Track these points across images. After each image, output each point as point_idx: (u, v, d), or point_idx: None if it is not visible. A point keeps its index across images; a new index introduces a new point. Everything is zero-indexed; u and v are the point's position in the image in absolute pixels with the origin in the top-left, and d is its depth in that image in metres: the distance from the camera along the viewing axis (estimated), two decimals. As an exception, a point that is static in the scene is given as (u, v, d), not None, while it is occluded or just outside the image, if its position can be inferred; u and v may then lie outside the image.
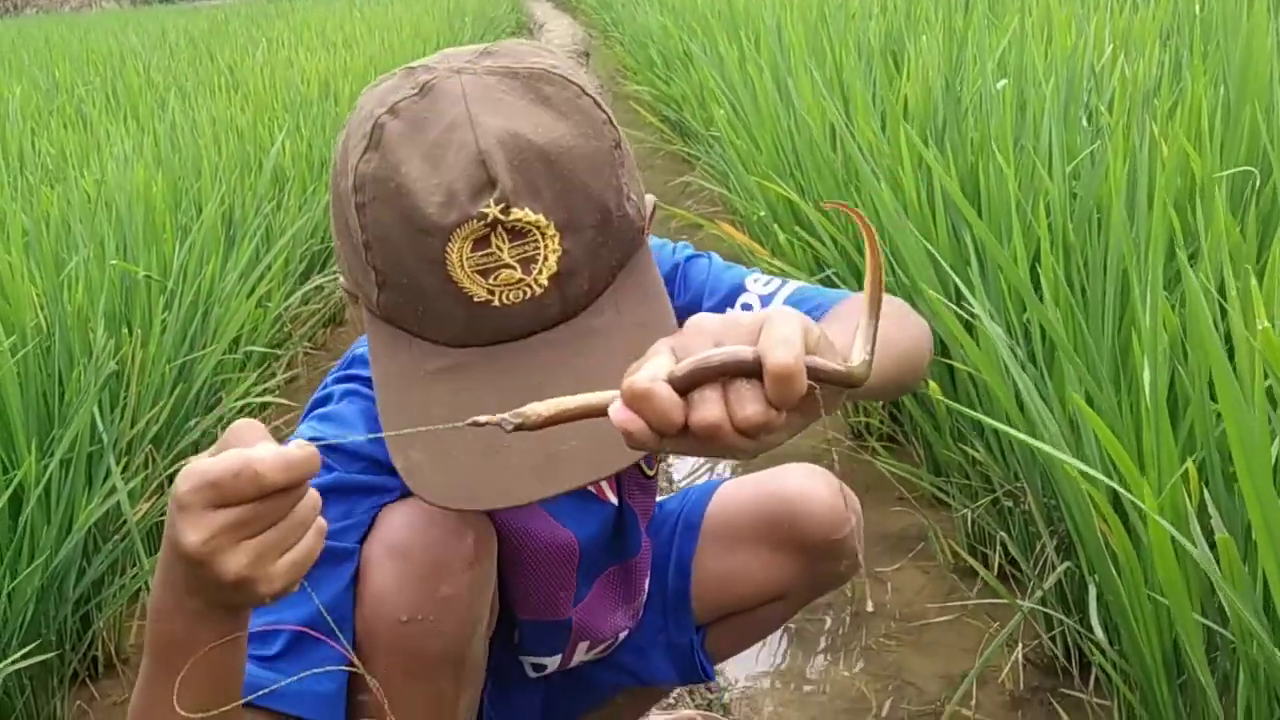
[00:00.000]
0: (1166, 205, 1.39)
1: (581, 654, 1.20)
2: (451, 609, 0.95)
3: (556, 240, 0.83)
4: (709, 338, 0.62)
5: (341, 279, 0.94)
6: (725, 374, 0.61)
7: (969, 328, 1.71)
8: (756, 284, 1.07)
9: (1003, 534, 1.85)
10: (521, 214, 0.82)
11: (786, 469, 1.26)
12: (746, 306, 1.05)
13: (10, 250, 2.19)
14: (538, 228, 0.82)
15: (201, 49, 7.40)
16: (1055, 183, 1.86)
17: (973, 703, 1.65)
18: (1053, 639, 1.70)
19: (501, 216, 0.81)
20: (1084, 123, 2.13)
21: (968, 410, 1.26)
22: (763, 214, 2.89)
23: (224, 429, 0.67)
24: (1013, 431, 1.17)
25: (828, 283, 2.33)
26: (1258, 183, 1.72)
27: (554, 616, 1.13)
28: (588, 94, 0.89)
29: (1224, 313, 1.25)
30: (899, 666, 1.77)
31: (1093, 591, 1.44)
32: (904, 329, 0.97)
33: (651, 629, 1.27)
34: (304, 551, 0.68)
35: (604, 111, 0.89)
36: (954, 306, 1.62)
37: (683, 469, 2.45)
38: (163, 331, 2.21)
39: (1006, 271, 1.66)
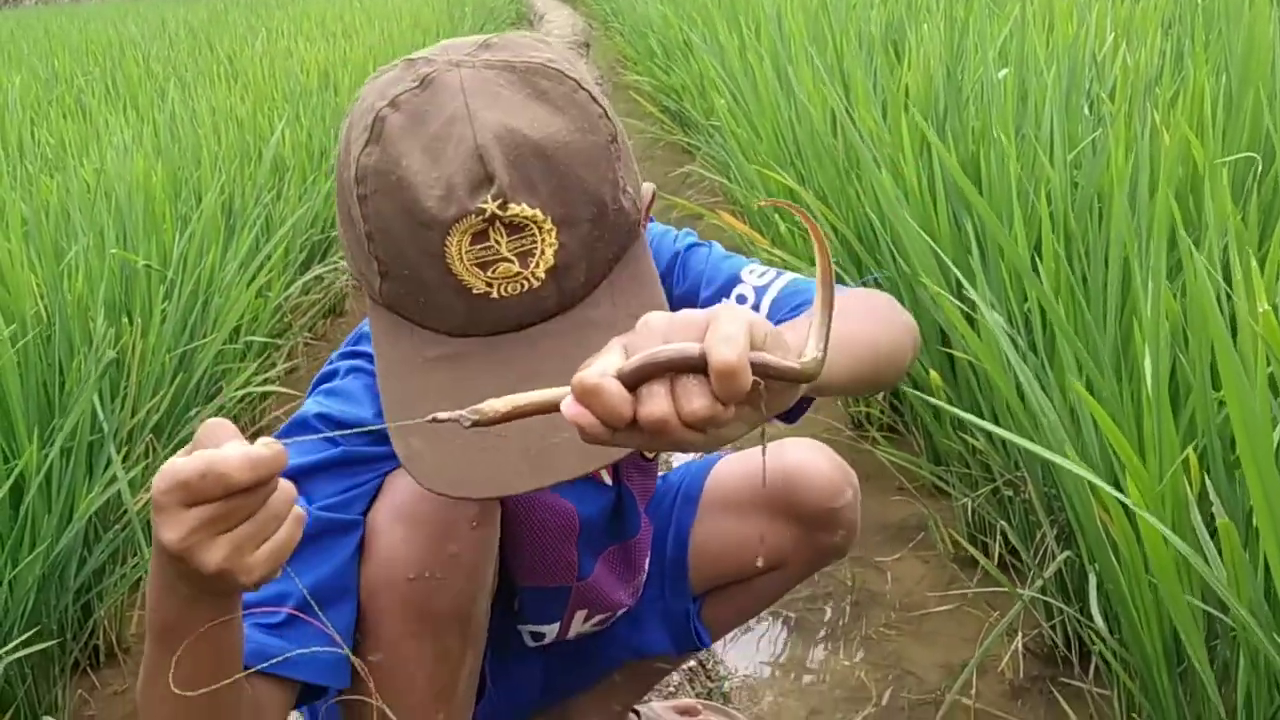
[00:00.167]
0: (1168, 193, 1.38)
1: (579, 624, 1.21)
2: (458, 567, 0.97)
3: (553, 234, 0.85)
4: (658, 335, 0.64)
5: (346, 262, 0.97)
6: (673, 369, 0.63)
7: (969, 319, 1.71)
8: (752, 275, 1.08)
9: (1003, 523, 1.85)
10: (519, 209, 0.83)
11: (785, 442, 1.27)
12: (741, 298, 1.06)
13: (10, 239, 2.19)
14: (534, 222, 0.84)
15: (201, 39, 7.38)
16: (1057, 170, 1.85)
17: (973, 692, 1.65)
18: (1053, 628, 1.70)
19: (499, 212, 0.83)
20: (1085, 111, 2.13)
21: (963, 414, 1.25)
22: (762, 202, 2.88)
23: (224, 418, 0.70)
24: (1005, 433, 1.16)
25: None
26: (1259, 169, 1.72)
27: (553, 583, 1.15)
28: (584, 88, 0.90)
29: (1228, 297, 1.24)
30: (899, 656, 1.78)
31: (1093, 580, 1.44)
32: (880, 326, 0.98)
33: (648, 599, 1.29)
34: (281, 541, 0.71)
35: (600, 105, 0.90)
36: (955, 301, 1.61)
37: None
38: (163, 321, 2.21)
39: (1007, 252, 1.66)
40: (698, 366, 0.62)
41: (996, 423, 1.82)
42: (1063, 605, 1.60)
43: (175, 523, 0.67)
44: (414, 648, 0.98)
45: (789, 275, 1.08)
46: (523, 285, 0.85)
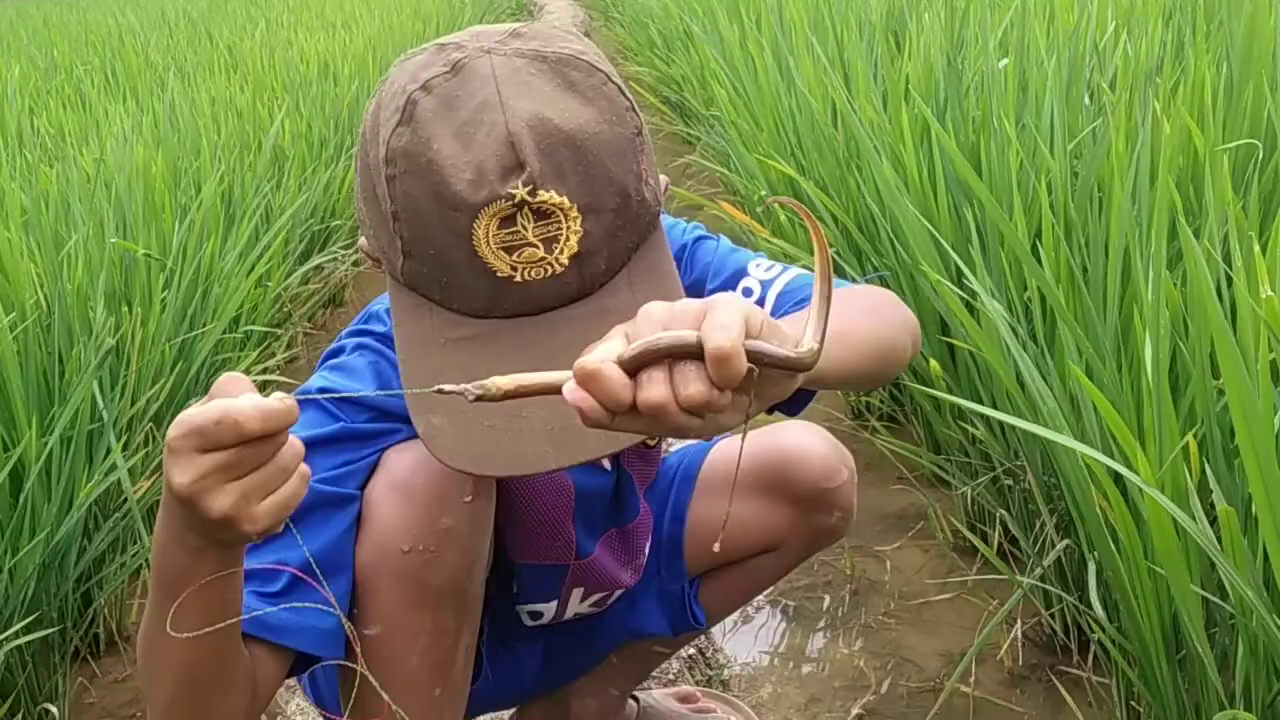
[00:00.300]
0: (1169, 180, 1.38)
1: (576, 603, 1.22)
2: (451, 540, 0.99)
3: (578, 222, 0.87)
4: (658, 323, 0.66)
5: (363, 240, 0.98)
6: (671, 356, 0.65)
7: (969, 308, 1.71)
8: (759, 269, 1.10)
9: (1002, 512, 1.85)
10: (547, 196, 0.86)
11: (783, 425, 1.28)
12: (748, 291, 1.08)
13: (9, 228, 2.19)
14: (561, 210, 0.86)
15: (200, 29, 7.37)
16: (1057, 159, 1.85)
17: (972, 680, 1.66)
18: (1052, 617, 1.70)
19: (528, 198, 0.85)
20: (1086, 100, 2.13)
21: (963, 402, 1.26)
22: (764, 193, 2.88)
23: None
24: (1005, 416, 1.16)
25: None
26: (1260, 157, 1.72)
27: (550, 561, 1.16)
28: (613, 81, 0.92)
29: (1229, 284, 1.24)
30: (898, 644, 1.78)
31: (1092, 569, 1.44)
32: (879, 322, 0.99)
33: (645, 578, 1.29)
34: (287, 494, 0.73)
35: (627, 99, 0.93)
36: (954, 289, 1.61)
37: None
38: (163, 310, 2.21)
39: (1008, 239, 1.65)
40: (695, 353, 0.64)
41: (997, 411, 1.82)
42: (1062, 593, 1.60)
43: (187, 466, 0.69)
44: (409, 620, 0.99)
45: (795, 270, 1.09)
46: (546, 270, 0.88)
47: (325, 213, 3.72)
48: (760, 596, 1.86)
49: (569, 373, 0.66)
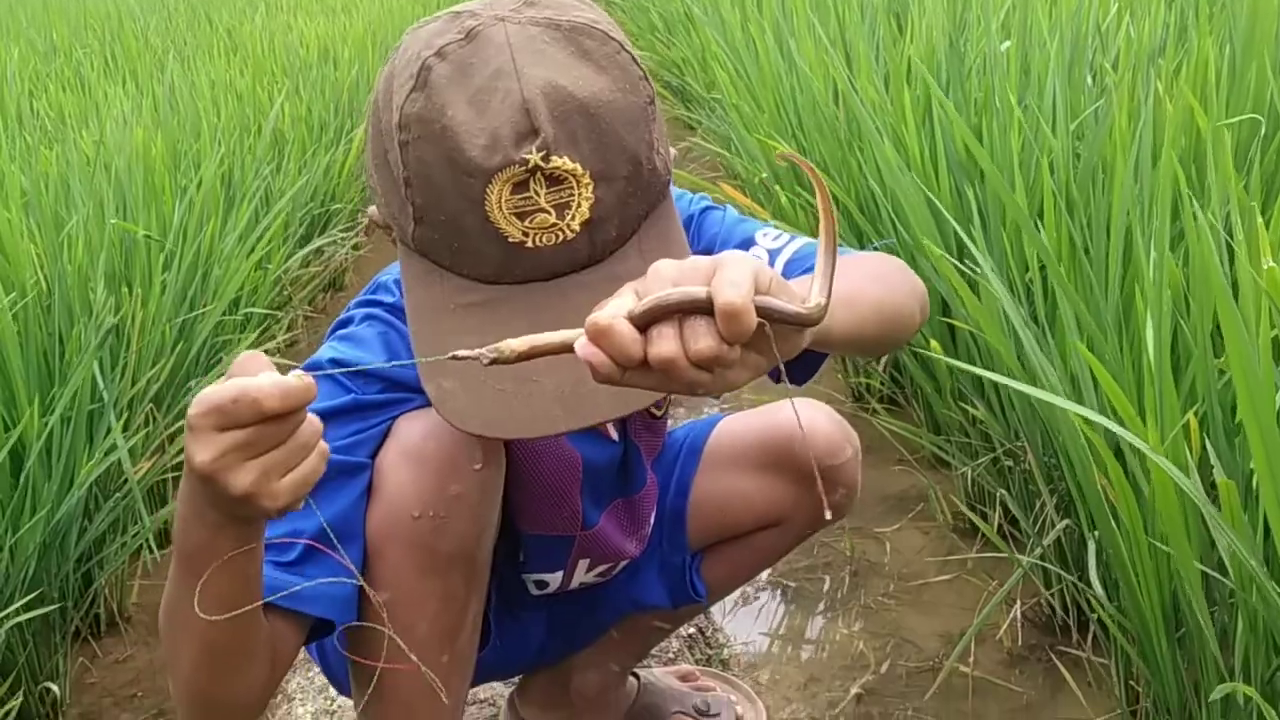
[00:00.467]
0: (1172, 157, 1.38)
1: (582, 573, 1.23)
2: (461, 507, 1.00)
3: (590, 189, 0.88)
4: (668, 281, 0.67)
5: (373, 209, 0.98)
6: (681, 312, 0.66)
7: (970, 286, 1.71)
8: (766, 238, 1.10)
9: (1002, 492, 1.85)
10: (560, 162, 0.86)
11: (789, 401, 1.28)
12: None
13: (10, 209, 2.18)
14: (574, 176, 0.87)
15: (200, 12, 7.33)
16: (1059, 137, 1.85)
17: (971, 660, 1.66)
18: (1051, 596, 1.70)
19: (542, 163, 0.86)
20: (1089, 81, 2.12)
21: (968, 366, 1.25)
22: (764, 175, 2.88)
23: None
24: (1015, 383, 1.16)
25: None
26: (1264, 132, 1.71)
27: (557, 531, 1.17)
28: (626, 50, 0.93)
29: (1231, 262, 1.24)
30: (898, 625, 1.78)
31: (1092, 548, 1.44)
32: (886, 286, 1.00)
33: (648, 550, 1.30)
34: (306, 471, 0.74)
35: (639, 67, 0.93)
36: (956, 263, 1.61)
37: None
38: (163, 291, 2.21)
39: (1010, 213, 1.65)
40: (705, 308, 0.65)
41: (998, 391, 1.82)
42: (1061, 572, 1.60)
43: (208, 444, 0.70)
44: (418, 586, 1.00)
45: (803, 239, 1.10)
46: (557, 236, 0.88)
47: (325, 196, 3.72)
48: (760, 577, 1.86)
49: (581, 330, 0.67)
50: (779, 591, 1.89)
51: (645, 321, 0.66)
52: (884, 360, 2.43)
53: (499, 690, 1.57)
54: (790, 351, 0.70)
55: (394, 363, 1.01)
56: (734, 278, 0.65)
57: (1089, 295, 1.52)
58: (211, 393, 0.70)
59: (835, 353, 1.04)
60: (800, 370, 1.04)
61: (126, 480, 1.87)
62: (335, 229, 3.68)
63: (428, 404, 1.02)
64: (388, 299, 1.08)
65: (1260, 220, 1.00)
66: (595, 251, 0.90)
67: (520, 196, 0.87)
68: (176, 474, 2.14)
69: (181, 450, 2.05)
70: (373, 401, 1.01)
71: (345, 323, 1.10)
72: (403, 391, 1.02)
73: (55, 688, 1.70)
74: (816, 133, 2.71)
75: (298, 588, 0.92)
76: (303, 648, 1.03)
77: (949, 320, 1.93)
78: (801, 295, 0.69)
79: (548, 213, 0.87)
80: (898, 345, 1.08)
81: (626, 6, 7.90)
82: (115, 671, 1.83)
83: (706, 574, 1.34)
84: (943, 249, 1.87)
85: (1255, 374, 0.91)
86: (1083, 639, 1.65)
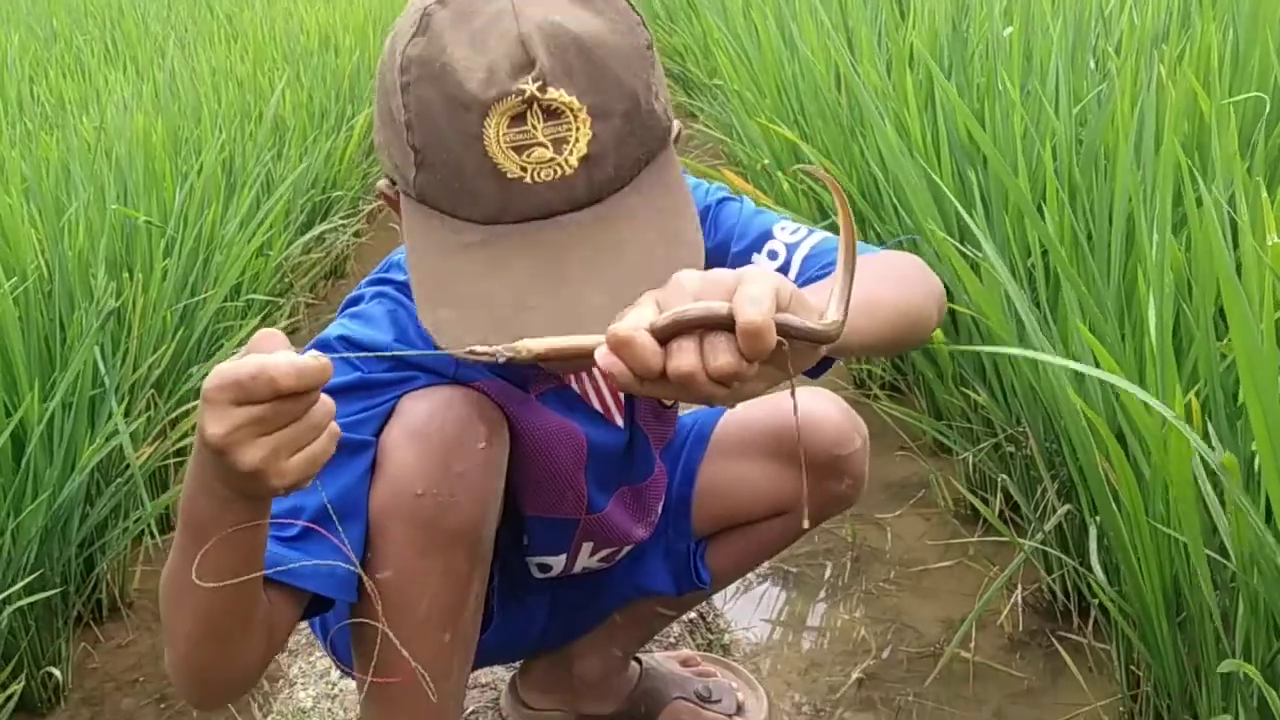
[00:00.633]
0: (1174, 141, 1.37)
1: (585, 557, 1.23)
2: (465, 486, 1.00)
3: (588, 124, 0.88)
4: (689, 294, 0.68)
5: (381, 183, 0.99)
6: (702, 327, 0.66)
7: (973, 270, 1.71)
8: (784, 232, 1.10)
9: (1004, 477, 1.85)
10: (557, 94, 0.87)
11: (798, 390, 1.27)
12: (773, 254, 1.08)
13: (10, 194, 2.18)
14: (571, 110, 0.87)
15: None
16: (1062, 121, 1.84)
17: (972, 645, 1.66)
18: (1052, 581, 1.70)
19: (538, 94, 0.86)
20: (1091, 65, 2.11)
21: (972, 348, 1.25)
22: (766, 161, 2.87)
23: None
24: (1019, 351, 1.16)
25: (831, 230, 2.32)
26: (1267, 110, 1.71)
27: (561, 514, 1.16)
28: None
29: (1234, 244, 1.24)
30: (899, 610, 1.78)
31: (1093, 532, 1.44)
32: (904, 290, 0.99)
33: (653, 536, 1.29)
34: (316, 451, 0.74)
35: (637, 14, 0.94)
36: (958, 244, 1.61)
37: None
38: (164, 277, 2.21)
39: (1012, 196, 1.65)
40: (725, 325, 0.66)
41: (1000, 377, 1.82)
42: (1062, 556, 1.60)
43: (221, 418, 0.71)
44: (421, 565, 1.00)
45: (821, 233, 1.09)
46: (555, 171, 0.88)
47: (326, 183, 3.71)
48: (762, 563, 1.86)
49: (600, 337, 0.68)
50: (780, 577, 1.89)
51: (666, 335, 0.67)
52: (886, 346, 2.42)
53: (500, 674, 1.57)
54: (807, 364, 0.71)
55: (417, 353, 1.01)
56: (755, 294, 0.66)
57: (1091, 279, 1.51)
58: (229, 368, 0.71)
59: (852, 356, 1.04)
60: (815, 365, 1.04)
61: (128, 465, 1.88)
62: (336, 216, 3.67)
63: (433, 382, 1.03)
64: (399, 277, 1.08)
65: (1265, 195, 0.99)
66: (593, 190, 0.89)
67: (518, 130, 0.87)
68: (179, 459, 2.14)
69: (183, 436, 2.05)
70: (379, 380, 1.02)
71: (356, 300, 1.10)
72: (409, 370, 1.03)
73: (57, 672, 1.70)
74: (819, 118, 2.71)
75: (296, 564, 0.93)
76: (308, 630, 1.03)
77: (951, 306, 1.93)
78: (819, 308, 0.69)
79: (545, 147, 0.87)
80: (915, 346, 1.09)
81: (628, -7, 7.87)
82: (117, 656, 1.83)
83: (711, 561, 1.34)
84: (945, 233, 1.87)
85: (1259, 352, 0.90)
86: (1083, 624, 1.65)
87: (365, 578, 0.93)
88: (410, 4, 0.94)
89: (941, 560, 1.89)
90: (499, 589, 1.21)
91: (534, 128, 0.87)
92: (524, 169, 0.87)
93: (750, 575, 1.88)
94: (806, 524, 1.30)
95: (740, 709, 1.49)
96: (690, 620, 1.74)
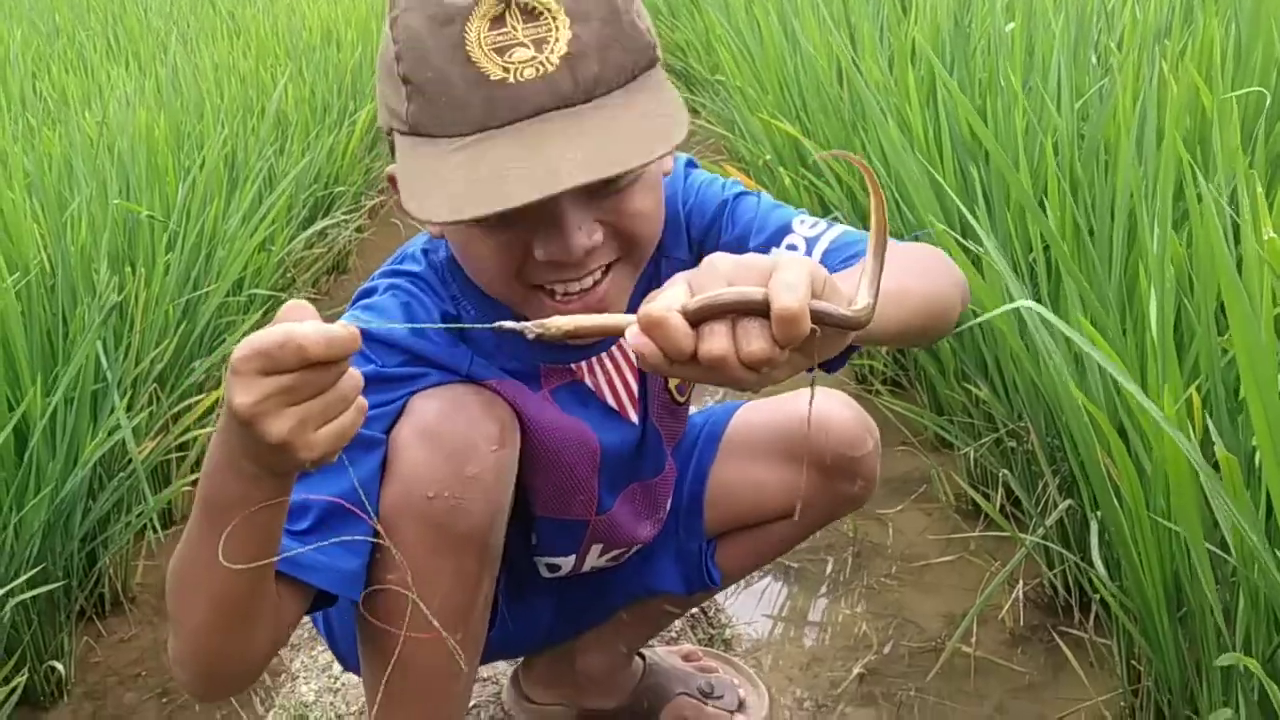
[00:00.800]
0: (1176, 136, 1.37)
1: (594, 557, 1.23)
2: (476, 488, 1.00)
3: (567, 25, 0.89)
4: (722, 278, 0.67)
5: (391, 167, 0.97)
6: (735, 311, 0.66)
7: (975, 265, 1.71)
8: (803, 225, 1.09)
9: (1005, 472, 1.85)
10: None
11: (808, 391, 1.27)
12: (792, 247, 1.07)
13: (13, 189, 2.18)
14: (549, 11, 0.89)
15: (203, -4, 7.32)
16: (1064, 116, 1.84)
17: (973, 640, 1.66)
18: (1054, 576, 1.71)
19: None
20: (1093, 61, 2.11)
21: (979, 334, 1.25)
22: (768, 157, 2.87)
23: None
24: (1029, 305, 1.15)
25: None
26: (1268, 104, 1.71)
27: (571, 515, 1.16)
28: None
29: (1236, 240, 1.24)
30: (900, 605, 1.78)
31: (1094, 527, 1.44)
32: (930, 281, 0.99)
33: (663, 536, 1.30)
34: (344, 424, 0.74)
35: None
36: (960, 239, 1.61)
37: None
38: (166, 271, 2.21)
39: (1013, 191, 1.64)
40: (759, 310, 0.66)
41: (1001, 371, 1.82)
42: (1064, 551, 1.60)
43: (249, 387, 0.70)
44: (431, 565, 0.99)
45: (840, 227, 1.09)
46: (538, 70, 0.88)
47: (329, 178, 3.71)
48: (763, 558, 1.86)
49: (631, 317, 0.68)
50: (781, 572, 1.89)
51: (698, 318, 0.66)
52: (887, 342, 2.43)
53: (501, 668, 1.57)
54: (833, 351, 0.71)
55: (445, 325, 1.01)
56: (791, 280, 0.65)
57: (1093, 274, 1.51)
58: (257, 337, 0.70)
59: (877, 346, 1.04)
60: (834, 359, 1.04)
61: (130, 460, 1.88)
62: (339, 211, 3.68)
63: (446, 380, 1.02)
64: (414, 267, 1.08)
65: (1260, 190, 0.99)
66: (579, 87, 0.89)
67: (498, 32, 0.88)
68: (181, 454, 2.15)
69: (185, 431, 2.06)
70: (394, 375, 1.01)
71: (369, 292, 1.09)
72: (424, 365, 1.02)
73: (60, 666, 1.71)
74: (821, 113, 2.71)
75: (309, 548, 0.92)
76: (310, 625, 1.03)
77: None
78: (849, 295, 0.69)
79: (526, 46, 0.88)
80: (940, 337, 1.08)
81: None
82: (120, 650, 1.83)
83: (721, 560, 1.34)
84: (947, 228, 1.87)
85: (1259, 347, 0.90)
86: (1085, 619, 1.65)
87: (391, 546, 0.92)
88: None
89: (943, 555, 1.90)
90: (506, 588, 1.20)
91: (514, 29, 0.88)
92: (506, 69, 0.88)
93: (762, 566, 1.88)
94: (796, 517, 1.30)
95: (742, 705, 1.49)
96: (692, 615, 1.74)
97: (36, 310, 1.86)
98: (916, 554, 1.91)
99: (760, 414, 1.33)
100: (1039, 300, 1.62)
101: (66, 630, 1.76)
